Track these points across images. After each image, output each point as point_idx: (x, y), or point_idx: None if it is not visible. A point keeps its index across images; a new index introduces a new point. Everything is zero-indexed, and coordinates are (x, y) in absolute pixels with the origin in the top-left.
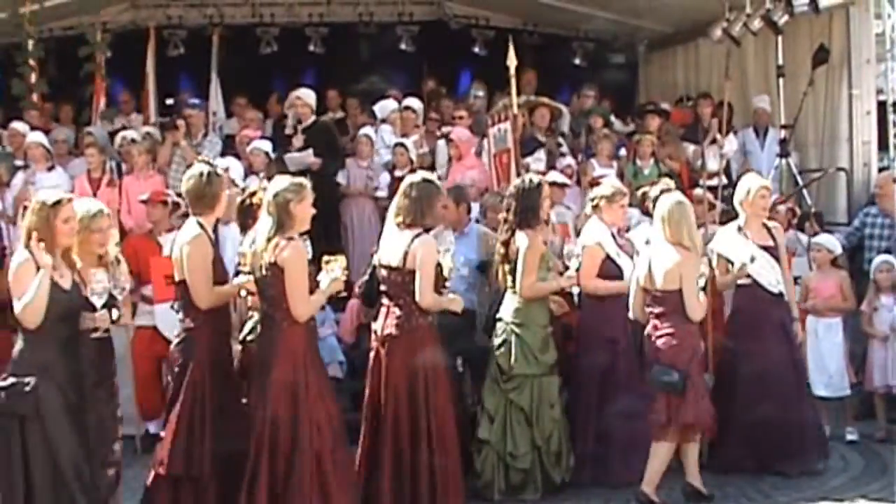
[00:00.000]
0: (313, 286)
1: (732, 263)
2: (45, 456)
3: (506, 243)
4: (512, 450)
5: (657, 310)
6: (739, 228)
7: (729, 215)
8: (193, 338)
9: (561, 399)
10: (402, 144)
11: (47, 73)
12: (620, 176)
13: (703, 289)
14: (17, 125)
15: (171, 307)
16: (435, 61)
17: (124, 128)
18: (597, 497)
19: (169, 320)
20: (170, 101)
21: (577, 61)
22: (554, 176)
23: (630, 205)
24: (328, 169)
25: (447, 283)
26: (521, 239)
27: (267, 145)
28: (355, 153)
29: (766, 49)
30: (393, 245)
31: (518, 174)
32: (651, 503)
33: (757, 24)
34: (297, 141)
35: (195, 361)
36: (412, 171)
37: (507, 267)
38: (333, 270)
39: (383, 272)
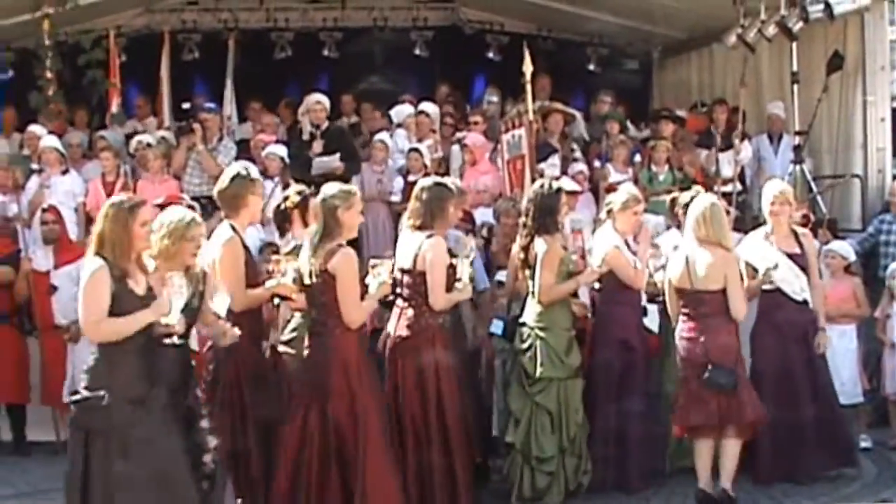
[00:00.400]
0: (362, 291)
1: (757, 270)
2: (106, 472)
3: (525, 248)
4: (538, 453)
5: (699, 310)
6: (767, 235)
7: (742, 222)
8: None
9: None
10: (416, 149)
11: (62, 78)
12: (635, 181)
13: None
14: (34, 128)
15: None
16: (449, 66)
17: (136, 132)
18: (615, 500)
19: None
20: (186, 106)
21: (591, 67)
22: (565, 182)
23: (646, 211)
24: (348, 173)
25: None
26: (540, 244)
27: (282, 150)
28: (369, 158)
29: (780, 55)
30: (405, 248)
31: (533, 180)
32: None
33: (772, 30)
34: (317, 146)
35: (230, 363)
36: (426, 175)
37: (527, 272)
38: (380, 275)
39: (398, 274)
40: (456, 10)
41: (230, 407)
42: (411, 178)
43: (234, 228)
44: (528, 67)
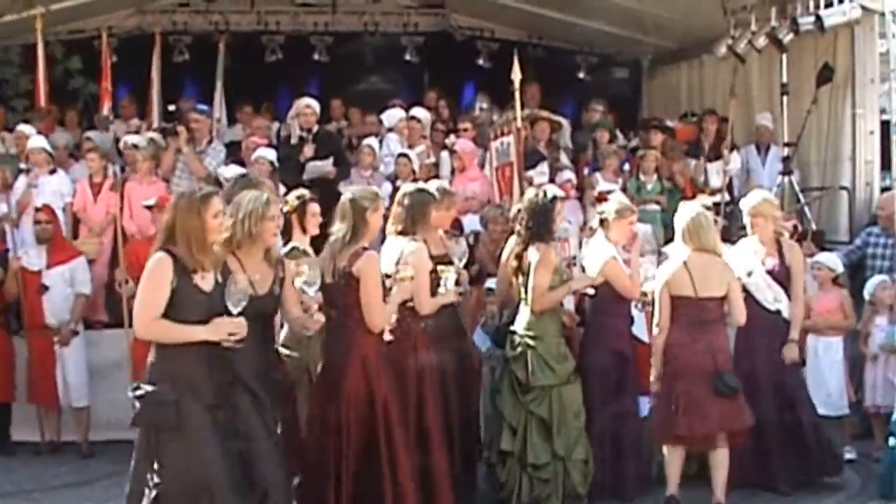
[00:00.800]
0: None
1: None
2: (179, 474)
3: (519, 256)
4: (533, 460)
5: (702, 318)
6: (755, 244)
7: (729, 232)
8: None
9: None
10: (405, 155)
11: (53, 78)
12: (623, 190)
13: None
14: (23, 128)
15: None
16: (439, 72)
17: (126, 133)
18: None
19: None
20: (171, 108)
21: (580, 75)
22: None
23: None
24: (337, 178)
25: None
26: (534, 253)
27: (272, 154)
28: (357, 163)
29: (770, 67)
30: (388, 253)
31: (521, 187)
32: None
33: (762, 41)
34: (308, 150)
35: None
36: (415, 181)
37: (520, 279)
38: (406, 279)
39: None
40: (447, 17)
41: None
42: (399, 183)
43: None
44: (516, 75)
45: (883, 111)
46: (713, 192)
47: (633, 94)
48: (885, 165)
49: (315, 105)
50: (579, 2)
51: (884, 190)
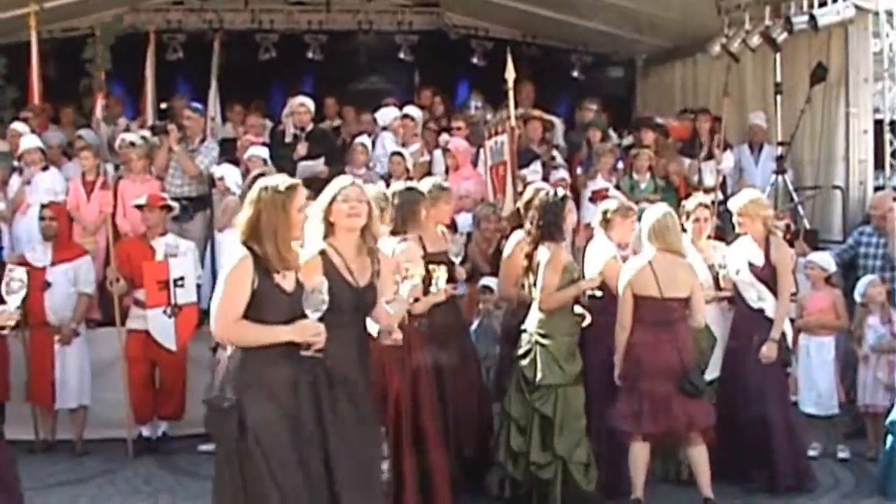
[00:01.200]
0: None
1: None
2: (263, 489)
3: (529, 256)
4: (536, 459)
5: (668, 318)
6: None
7: (723, 230)
8: None
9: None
10: (399, 153)
11: (48, 75)
12: (616, 188)
13: None
14: (17, 126)
15: (164, 312)
16: (433, 71)
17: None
18: None
19: (161, 325)
20: (163, 106)
21: (575, 74)
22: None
23: None
24: (332, 177)
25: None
26: (544, 252)
27: (265, 152)
28: (350, 161)
29: (764, 66)
30: None
31: (515, 186)
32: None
33: (756, 40)
34: (302, 148)
35: None
36: (408, 179)
37: (531, 279)
38: (413, 277)
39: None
40: (441, 15)
41: None
42: (393, 182)
43: None
44: (510, 74)
45: (876, 110)
46: (707, 191)
47: (628, 93)
48: (879, 164)
49: (309, 103)
50: (574, 1)
51: (877, 189)
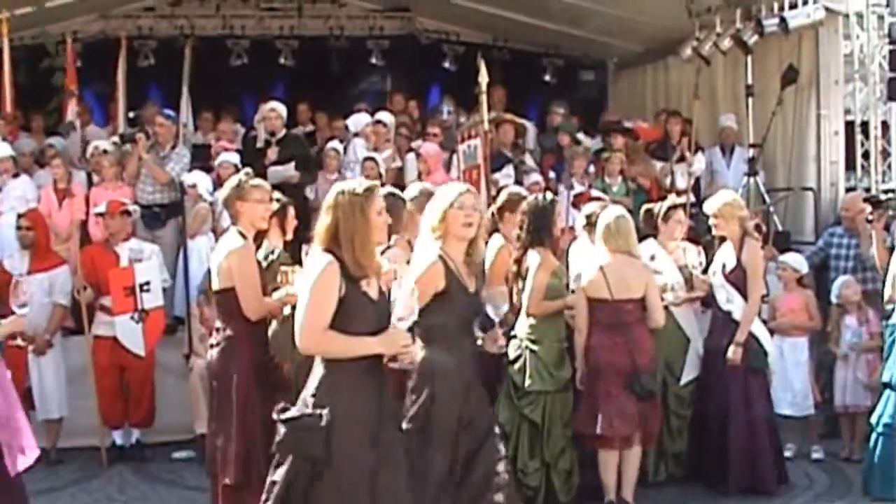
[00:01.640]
0: None
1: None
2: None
3: (518, 261)
4: (522, 466)
5: (621, 319)
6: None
7: (696, 232)
8: (235, 346)
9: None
10: (371, 159)
11: (19, 82)
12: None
13: None
14: None
15: (131, 318)
16: (404, 76)
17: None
18: None
19: (129, 331)
20: (132, 115)
21: (546, 78)
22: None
23: None
24: (304, 182)
25: None
26: (533, 257)
27: (235, 158)
28: (323, 167)
29: (735, 68)
30: None
31: (488, 190)
32: None
33: (727, 43)
34: (272, 153)
35: (239, 370)
36: (381, 185)
37: (520, 284)
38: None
39: None
40: (412, 20)
41: (241, 412)
42: None
43: (242, 235)
44: (483, 78)
45: (847, 112)
46: (679, 194)
47: (599, 97)
48: (850, 166)
49: (280, 108)
50: (545, 5)
51: (849, 190)
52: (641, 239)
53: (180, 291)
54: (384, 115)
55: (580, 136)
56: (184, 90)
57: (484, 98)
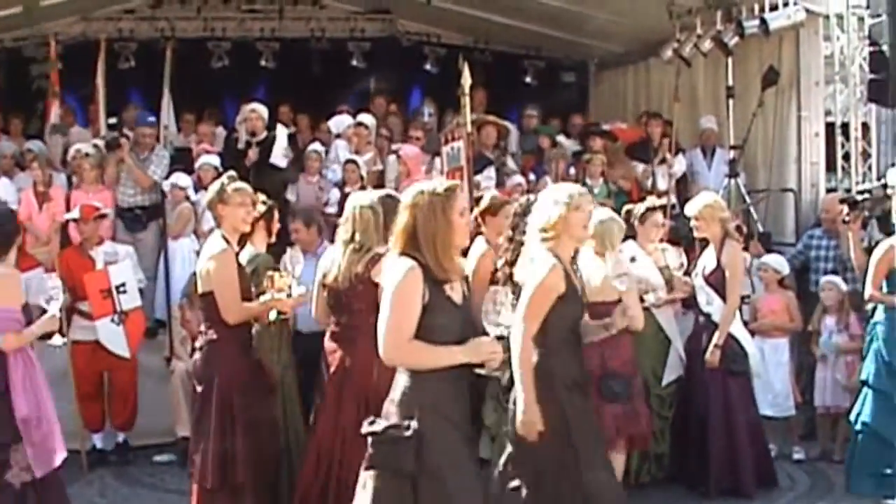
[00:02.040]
0: None
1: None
2: None
3: (511, 264)
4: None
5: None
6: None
7: (677, 233)
8: (218, 350)
9: None
10: (353, 161)
11: None
12: None
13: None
14: None
15: (111, 320)
16: (386, 78)
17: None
18: None
19: (111, 333)
20: (113, 121)
21: (527, 80)
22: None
23: None
24: (285, 184)
25: None
26: None
27: (216, 160)
28: (305, 169)
29: (716, 70)
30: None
31: (471, 192)
32: None
33: (707, 45)
34: (253, 154)
35: (221, 374)
36: (362, 188)
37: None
38: None
39: None
40: (393, 22)
41: (221, 416)
42: (347, 189)
43: (225, 239)
44: (466, 80)
45: (828, 113)
46: (660, 195)
47: (580, 98)
48: (831, 167)
49: (261, 109)
50: (525, 6)
51: (829, 191)
52: (623, 241)
53: (161, 294)
54: (366, 117)
55: (560, 138)
56: (165, 92)
57: (467, 100)
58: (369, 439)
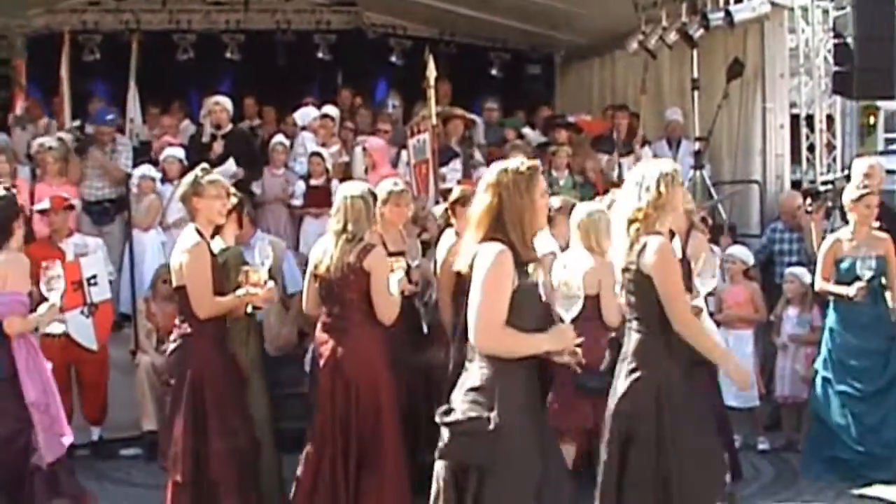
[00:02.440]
0: None
1: None
2: None
3: None
4: None
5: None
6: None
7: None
8: (191, 343)
9: None
10: (318, 154)
11: None
12: None
13: None
14: None
15: (81, 312)
16: (351, 70)
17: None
18: None
19: (80, 325)
20: (76, 123)
21: (493, 72)
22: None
23: None
24: (251, 178)
25: None
26: None
27: (180, 153)
28: (270, 162)
29: (681, 62)
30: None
31: (437, 184)
32: None
33: (673, 37)
34: (218, 147)
35: (193, 367)
36: (328, 180)
37: None
38: (399, 271)
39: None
40: (359, 14)
41: (191, 409)
42: (313, 182)
43: (199, 232)
44: (431, 72)
45: (793, 105)
46: None
47: (546, 91)
48: (795, 159)
49: (225, 102)
50: None
51: (794, 183)
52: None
53: (126, 287)
54: (331, 109)
55: (526, 129)
56: (131, 85)
57: (432, 92)
58: (445, 430)
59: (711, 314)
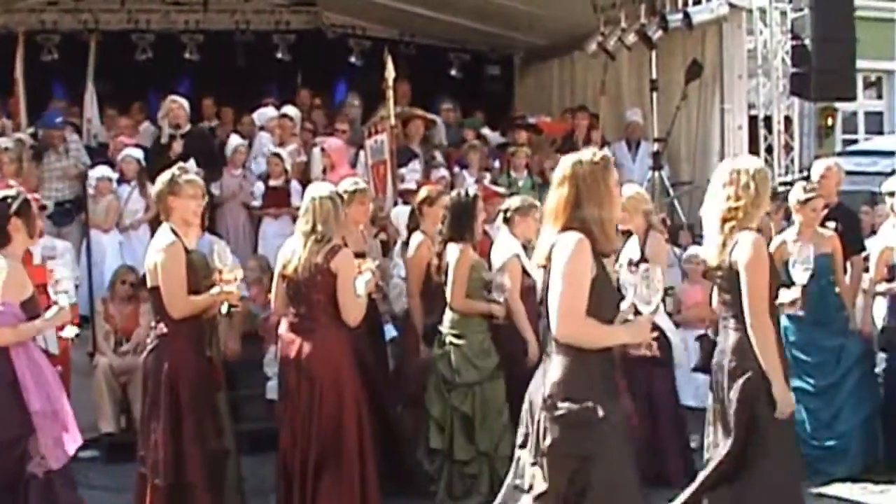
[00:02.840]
0: None
1: None
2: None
3: (439, 255)
4: (460, 457)
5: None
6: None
7: None
8: (167, 344)
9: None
10: (277, 154)
11: None
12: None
13: None
14: None
15: None
16: (311, 70)
17: None
18: None
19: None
20: (31, 131)
21: (453, 73)
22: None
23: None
24: (211, 178)
25: None
26: (452, 251)
27: (138, 153)
28: (228, 162)
29: (640, 63)
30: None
31: (395, 185)
32: None
33: (631, 38)
34: (178, 147)
35: (169, 367)
36: (287, 181)
37: (442, 278)
38: (367, 273)
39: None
40: (318, 15)
41: (168, 411)
42: (272, 182)
43: (174, 232)
44: (390, 73)
45: (751, 106)
46: None
47: (506, 91)
48: None
49: (182, 101)
50: None
51: None
52: None
53: (84, 288)
54: (290, 109)
55: (485, 130)
56: (88, 85)
57: (391, 93)
58: (549, 425)
59: (670, 314)
